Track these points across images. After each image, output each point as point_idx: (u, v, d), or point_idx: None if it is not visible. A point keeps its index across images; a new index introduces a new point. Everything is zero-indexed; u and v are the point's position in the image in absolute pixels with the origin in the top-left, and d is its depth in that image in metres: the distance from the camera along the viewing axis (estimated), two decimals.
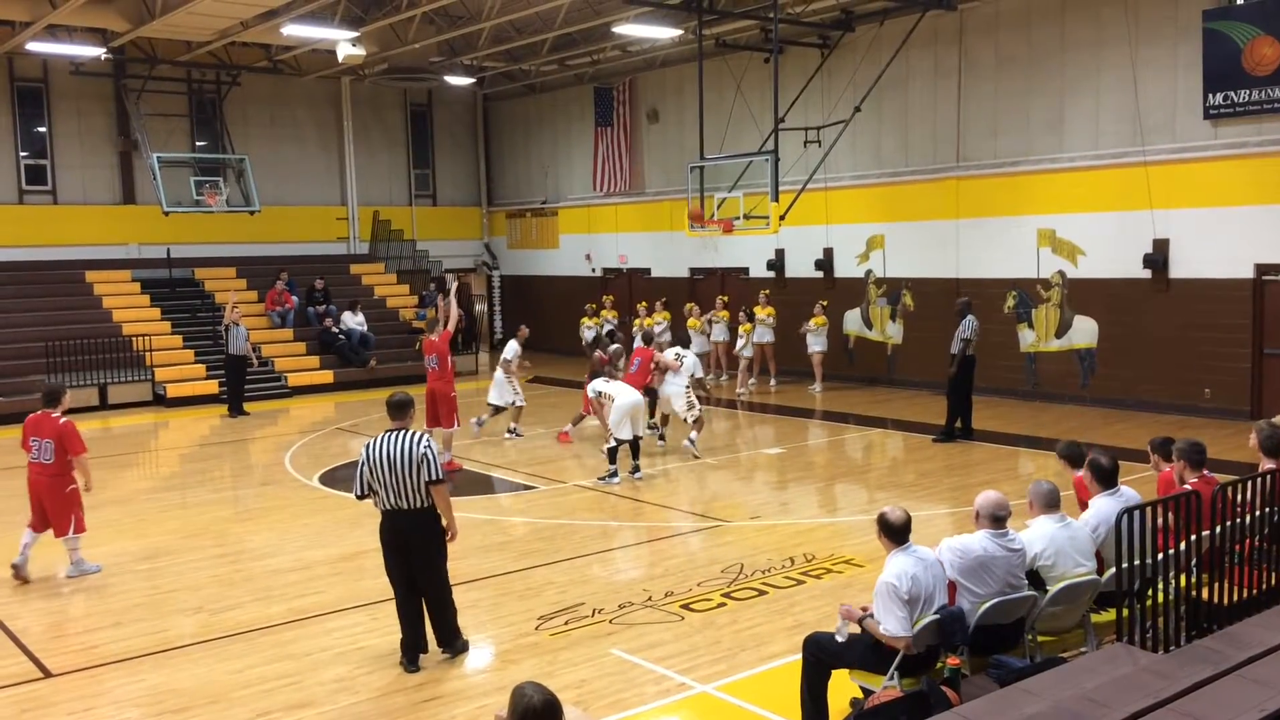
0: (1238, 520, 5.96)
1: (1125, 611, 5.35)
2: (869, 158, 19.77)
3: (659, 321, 20.47)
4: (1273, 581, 6.25)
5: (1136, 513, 5.36)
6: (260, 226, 23.88)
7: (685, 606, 8.06)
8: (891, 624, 5.33)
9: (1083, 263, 16.84)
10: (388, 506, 7.01)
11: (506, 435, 15.46)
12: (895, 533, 5.54)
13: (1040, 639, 5.79)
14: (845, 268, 20.36)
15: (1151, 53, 15.76)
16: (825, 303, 19.49)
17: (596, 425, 14.01)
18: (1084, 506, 6.61)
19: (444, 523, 7.08)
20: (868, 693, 5.50)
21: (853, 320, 20.34)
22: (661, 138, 23.97)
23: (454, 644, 7.20)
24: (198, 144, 24.54)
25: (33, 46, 20.14)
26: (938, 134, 18.62)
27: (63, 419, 9.26)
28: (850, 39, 19.10)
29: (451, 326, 13.58)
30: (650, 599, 8.24)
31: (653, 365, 13.84)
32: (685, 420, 13.96)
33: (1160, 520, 5.55)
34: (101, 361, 19.82)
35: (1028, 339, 17.69)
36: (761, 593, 8.35)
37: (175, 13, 17.85)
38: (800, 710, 5.75)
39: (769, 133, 17.25)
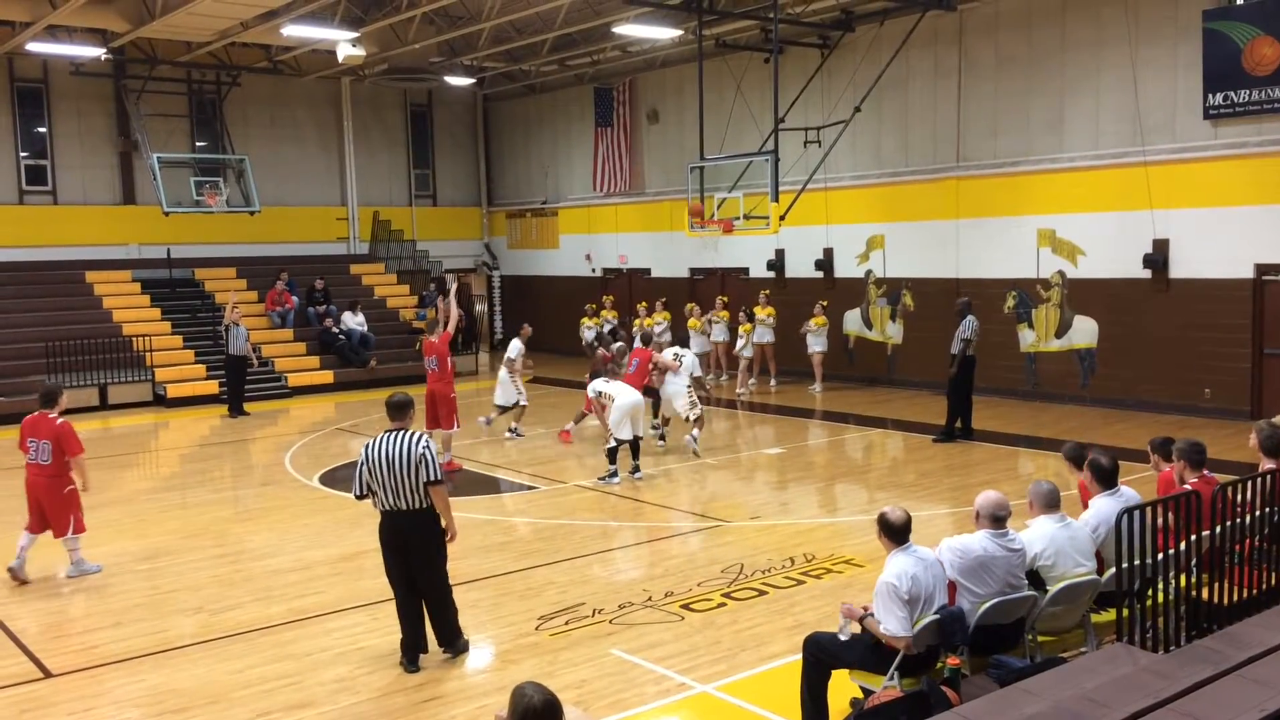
0: (1238, 520, 5.95)
1: (1125, 611, 5.35)
2: (869, 158, 19.76)
3: (659, 322, 20.48)
4: (1273, 581, 6.25)
5: (1136, 513, 5.36)
6: (260, 227, 23.89)
7: (685, 606, 8.06)
8: (892, 624, 5.33)
9: (1083, 263, 16.84)
10: (387, 507, 7.01)
11: (507, 435, 15.47)
12: (895, 533, 5.54)
13: (1040, 639, 5.79)
14: (845, 268, 20.36)
15: (1151, 53, 15.76)
16: (825, 303, 19.49)
17: (597, 425, 14.01)
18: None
19: (443, 523, 7.08)
20: (868, 693, 5.51)
21: (853, 320, 20.34)
22: (661, 138, 23.97)
23: (455, 644, 7.20)
24: (198, 144, 24.54)
25: (33, 47, 20.15)
26: (938, 134, 18.62)
27: (60, 420, 9.24)
28: (850, 39, 19.10)
29: (451, 327, 13.57)
30: (650, 599, 8.24)
31: (651, 366, 13.84)
32: (686, 419, 13.97)
33: (1160, 520, 5.55)
34: (102, 362, 19.83)
35: (1028, 339, 17.69)
36: (761, 593, 8.35)
37: (175, 13, 17.86)
38: (800, 710, 5.75)
39: (769, 133, 17.24)
